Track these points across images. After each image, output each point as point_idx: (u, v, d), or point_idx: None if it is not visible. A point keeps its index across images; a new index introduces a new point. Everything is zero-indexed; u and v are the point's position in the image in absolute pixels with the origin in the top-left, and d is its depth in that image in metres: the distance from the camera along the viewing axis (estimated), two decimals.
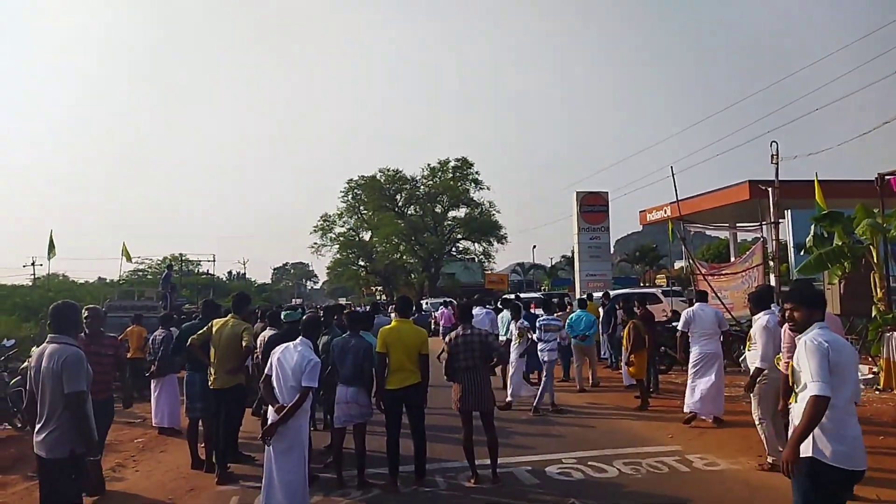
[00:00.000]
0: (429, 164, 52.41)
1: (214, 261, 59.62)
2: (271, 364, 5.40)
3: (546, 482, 6.28)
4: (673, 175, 17.64)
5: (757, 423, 6.45)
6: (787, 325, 4.45)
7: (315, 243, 54.63)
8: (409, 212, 53.24)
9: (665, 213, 26.85)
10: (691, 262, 17.52)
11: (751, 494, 5.74)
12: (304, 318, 6.20)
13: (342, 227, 55.15)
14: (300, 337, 5.53)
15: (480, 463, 6.33)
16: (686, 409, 8.51)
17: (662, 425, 8.56)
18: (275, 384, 5.30)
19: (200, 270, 55.25)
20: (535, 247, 69.03)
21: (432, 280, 51.74)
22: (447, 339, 6.52)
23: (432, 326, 30.74)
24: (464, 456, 6.35)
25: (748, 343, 6.52)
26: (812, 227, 11.35)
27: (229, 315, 7.02)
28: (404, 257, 54.00)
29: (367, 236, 55.28)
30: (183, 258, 50.05)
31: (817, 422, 3.31)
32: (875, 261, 10.13)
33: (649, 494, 5.77)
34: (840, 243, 10.43)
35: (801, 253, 14.87)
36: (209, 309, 7.80)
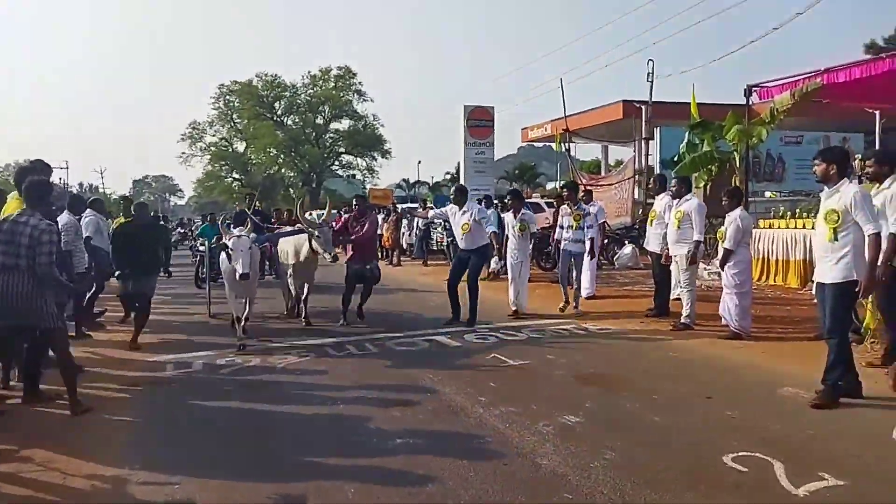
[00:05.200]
0: (309, 72, 50.37)
1: (68, 168, 54.20)
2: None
3: (466, 344, 6.97)
4: (562, 87, 18.53)
5: (687, 290, 7.45)
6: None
7: (183, 153, 51.45)
8: (287, 122, 51.21)
9: (546, 130, 28.11)
10: (573, 171, 18.75)
11: (632, 344, 6.82)
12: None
13: (213, 136, 52.18)
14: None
15: None
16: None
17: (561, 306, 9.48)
18: None
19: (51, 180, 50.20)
20: (420, 162, 69.46)
21: (313, 195, 50.80)
22: None
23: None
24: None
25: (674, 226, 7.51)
26: (686, 134, 12.64)
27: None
28: (283, 170, 52.33)
29: (241, 147, 52.76)
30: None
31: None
32: (738, 165, 11.59)
33: (552, 348, 6.66)
34: (709, 149, 11.78)
35: (668, 168, 16.46)
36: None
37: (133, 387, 5.55)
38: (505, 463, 3.66)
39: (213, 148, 51.88)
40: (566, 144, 19.75)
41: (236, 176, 52.85)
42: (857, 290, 4.53)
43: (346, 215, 9.06)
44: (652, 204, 9.29)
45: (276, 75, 49.95)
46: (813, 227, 10.31)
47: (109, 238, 8.36)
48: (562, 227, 8.82)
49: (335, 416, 4.67)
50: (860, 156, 11.35)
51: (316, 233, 7.57)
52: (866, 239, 4.49)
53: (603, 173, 27.59)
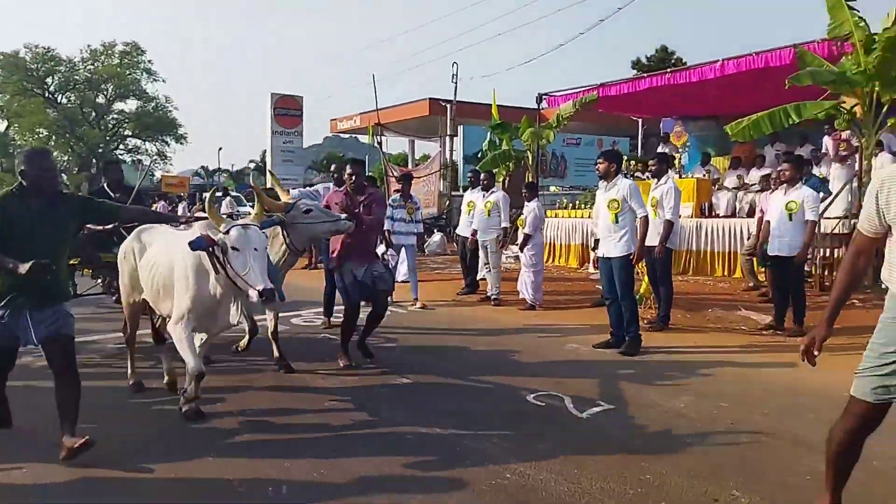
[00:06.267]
0: (89, 46, 45.26)
1: None
2: None
3: (300, 326, 7.29)
4: (374, 82, 19.12)
5: (494, 271, 8.48)
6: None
7: None
8: (62, 100, 45.57)
9: (355, 122, 28.61)
10: (384, 163, 19.47)
11: (448, 317, 7.67)
12: None
13: None
14: None
15: None
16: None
17: None
18: None
19: None
20: (220, 149, 65.27)
21: (93, 181, 45.80)
22: None
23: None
24: None
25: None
26: (488, 134, 14.00)
27: None
28: (55, 153, 46.49)
29: (2, 126, 45.95)
30: None
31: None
32: (530, 162, 13.15)
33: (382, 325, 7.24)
34: (507, 148, 13.22)
35: (470, 163, 17.97)
36: None
37: None
38: (352, 419, 4.18)
39: None
40: (378, 137, 20.45)
41: None
42: (631, 259, 5.76)
43: (331, 191, 6.12)
44: (456, 195, 10.29)
45: (48, 48, 44.12)
46: (590, 217, 12.22)
47: None
48: (392, 220, 8.47)
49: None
50: (626, 157, 13.51)
51: (303, 206, 4.77)
52: (638, 220, 5.74)
53: (410, 166, 28.81)
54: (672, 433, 3.93)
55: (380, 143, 20.41)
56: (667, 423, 4.10)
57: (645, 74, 12.50)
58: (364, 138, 26.46)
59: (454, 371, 5.31)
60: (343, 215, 4.90)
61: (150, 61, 46.07)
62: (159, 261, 4.30)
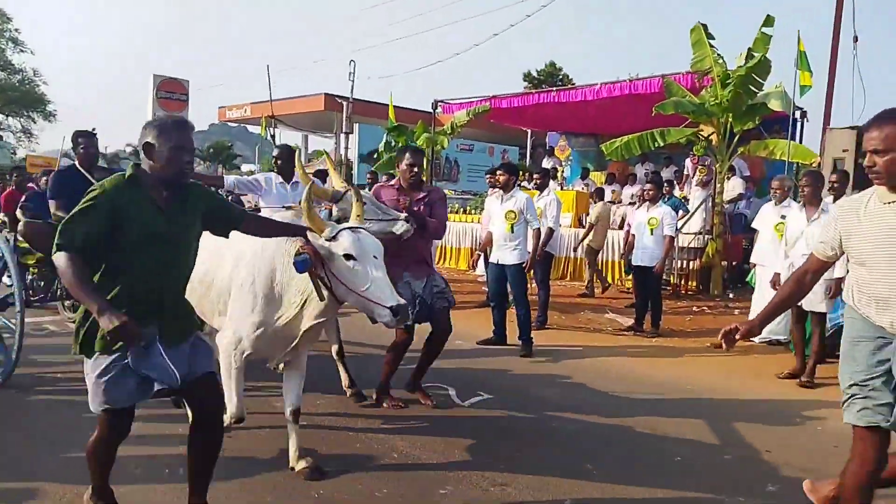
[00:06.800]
0: None
1: None
2: None
3: None
4: (269, 74, 18.80)
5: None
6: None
7: None
8: None
9: (246, 111, 27.81)
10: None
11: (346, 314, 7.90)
12: None
13: None
14: None
15: None
16: None
17: None
18: None
19: None
20: (94, 129, 60.58)
21: None
22: None
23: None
24: None
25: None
26: (385, 135, 14.28)
27: None
28: None
29: None
30: None
31: None
32: (425, 166, 13.56)
33: None
34: None
35: (365, 162, 18.20)
36: None
37: None
38: (258, 423, 4.34)
39: None
40: (272, 130, 20.11)
41: None
42: (524, 267, 6.25)
43: (378, 184, 5.31)
44: None
45: None
46: (478, 222, 12.84)
47: None
48: None
49: None
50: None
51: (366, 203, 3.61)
52: (530, 231, 6.26)
53: (304, 161, 28.42)
54: (541, 416, 4.46)
55: (273, 136, 20.13)
56: (537, 409, 4.63)
57: (533, 90, 13.36)
58: (253, 128, 25.77)
59: (350, 364, 5.57)
60: (402, 214, 3.96)
61: (17, 30, 42.22)
62: (221, 262, 3.40)
